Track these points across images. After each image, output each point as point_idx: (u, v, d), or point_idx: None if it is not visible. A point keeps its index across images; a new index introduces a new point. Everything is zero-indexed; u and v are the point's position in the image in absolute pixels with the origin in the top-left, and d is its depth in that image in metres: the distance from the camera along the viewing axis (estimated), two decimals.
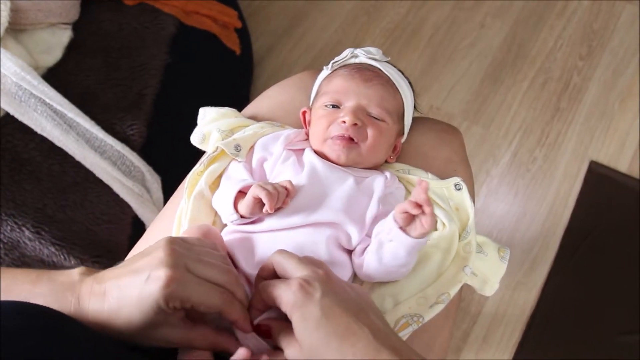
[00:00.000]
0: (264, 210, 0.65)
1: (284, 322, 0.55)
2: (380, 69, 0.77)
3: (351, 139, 0.72)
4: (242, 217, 0.68)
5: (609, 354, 1.02)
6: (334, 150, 0.72)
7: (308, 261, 0.56)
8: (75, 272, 0.56)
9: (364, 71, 0.76)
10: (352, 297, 0.54)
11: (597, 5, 1.71)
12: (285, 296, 0.52)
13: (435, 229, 0.71)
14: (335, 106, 0.74)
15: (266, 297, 0.54)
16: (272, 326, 0.55)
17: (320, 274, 0.54)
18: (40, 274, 0.58)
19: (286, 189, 0.67)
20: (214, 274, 0.54)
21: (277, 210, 0.67)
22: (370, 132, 0.72)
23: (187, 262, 0.53)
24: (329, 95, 0.75)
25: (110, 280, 0.53)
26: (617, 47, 1.63)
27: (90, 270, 0.57)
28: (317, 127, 0.74)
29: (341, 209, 0.68)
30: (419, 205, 0.59)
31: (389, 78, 0.77)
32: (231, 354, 0.52)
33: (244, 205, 0.66)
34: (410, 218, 0.62)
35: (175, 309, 0.51)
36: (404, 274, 0.68)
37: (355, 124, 0.71)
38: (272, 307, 0.56)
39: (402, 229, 0.63)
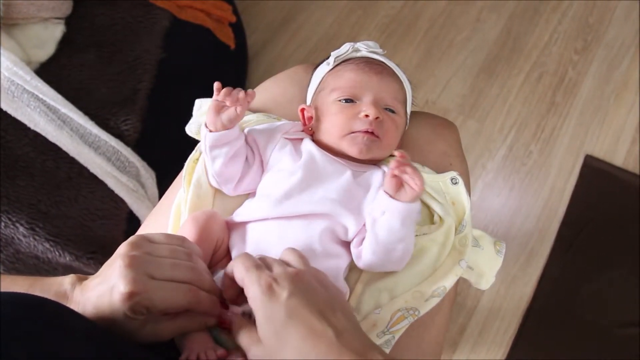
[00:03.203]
0: (223, 110, 0.67)
1: (246, 319, 0.55)
2: (384, 62, 0.77)
3: (373, 133, 0.72)
4: (211, 131, 0.69)
5: (606, 347, 1.02)
6: (356, 144, 0.71)
7: (279, 262, 0.55)
8: (67, 282, 0.57)
9: (373, 64, 0.76)
10: (322, 296, 0.53)
11: (593, 1, 1.71)
12: (252, 291, 0.51)
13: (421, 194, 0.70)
14: (349, 100, 0.73)
15: (238, 281, 0.54)
16: (234, 322, 0.55)
17: (289, 272, 0.53)
18: (32, 283, 0.58)
19: (246, 92, 0.68)
20: (176, 273, 0.54)
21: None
22: (388, 125, 0.72)
23: (147, 267, 0.53)
24: (341, 90, 0.74)
25: (89, 290, 0.54)
26: (612, 41, 1.63)
27: (80, 277, 0.58)
28: (334, 122, 0.73)
29: (337, 200, 0.68)
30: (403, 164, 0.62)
31: (394, 71, 0.77)
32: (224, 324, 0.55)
33: (209, 111, 0.69)
34: (399, 185, 0.64)
35: (146, 313, 0.51)
36: (401, 258, 0.67)
37: (377, 118, 0.71)
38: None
39: (393, 197, 0.64)
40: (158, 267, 0.53)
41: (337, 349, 0.49)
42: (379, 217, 0.65)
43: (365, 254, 0.66)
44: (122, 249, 0.54)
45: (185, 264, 0.55)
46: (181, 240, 0.58)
